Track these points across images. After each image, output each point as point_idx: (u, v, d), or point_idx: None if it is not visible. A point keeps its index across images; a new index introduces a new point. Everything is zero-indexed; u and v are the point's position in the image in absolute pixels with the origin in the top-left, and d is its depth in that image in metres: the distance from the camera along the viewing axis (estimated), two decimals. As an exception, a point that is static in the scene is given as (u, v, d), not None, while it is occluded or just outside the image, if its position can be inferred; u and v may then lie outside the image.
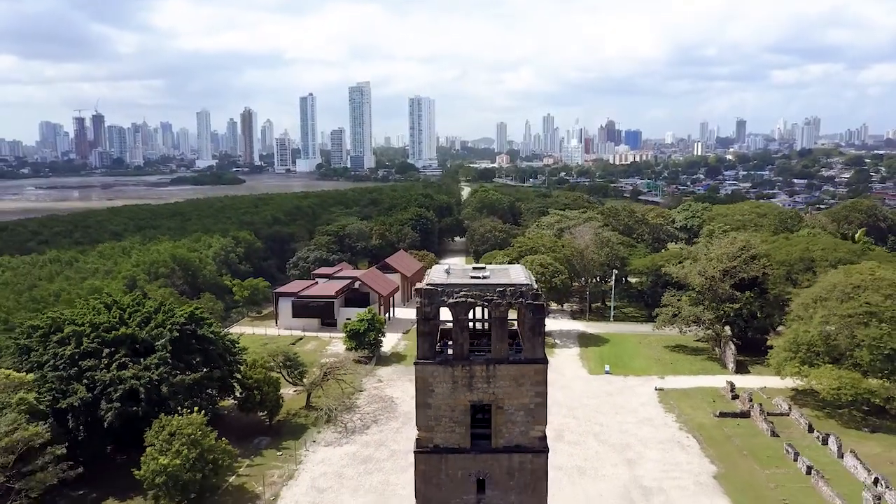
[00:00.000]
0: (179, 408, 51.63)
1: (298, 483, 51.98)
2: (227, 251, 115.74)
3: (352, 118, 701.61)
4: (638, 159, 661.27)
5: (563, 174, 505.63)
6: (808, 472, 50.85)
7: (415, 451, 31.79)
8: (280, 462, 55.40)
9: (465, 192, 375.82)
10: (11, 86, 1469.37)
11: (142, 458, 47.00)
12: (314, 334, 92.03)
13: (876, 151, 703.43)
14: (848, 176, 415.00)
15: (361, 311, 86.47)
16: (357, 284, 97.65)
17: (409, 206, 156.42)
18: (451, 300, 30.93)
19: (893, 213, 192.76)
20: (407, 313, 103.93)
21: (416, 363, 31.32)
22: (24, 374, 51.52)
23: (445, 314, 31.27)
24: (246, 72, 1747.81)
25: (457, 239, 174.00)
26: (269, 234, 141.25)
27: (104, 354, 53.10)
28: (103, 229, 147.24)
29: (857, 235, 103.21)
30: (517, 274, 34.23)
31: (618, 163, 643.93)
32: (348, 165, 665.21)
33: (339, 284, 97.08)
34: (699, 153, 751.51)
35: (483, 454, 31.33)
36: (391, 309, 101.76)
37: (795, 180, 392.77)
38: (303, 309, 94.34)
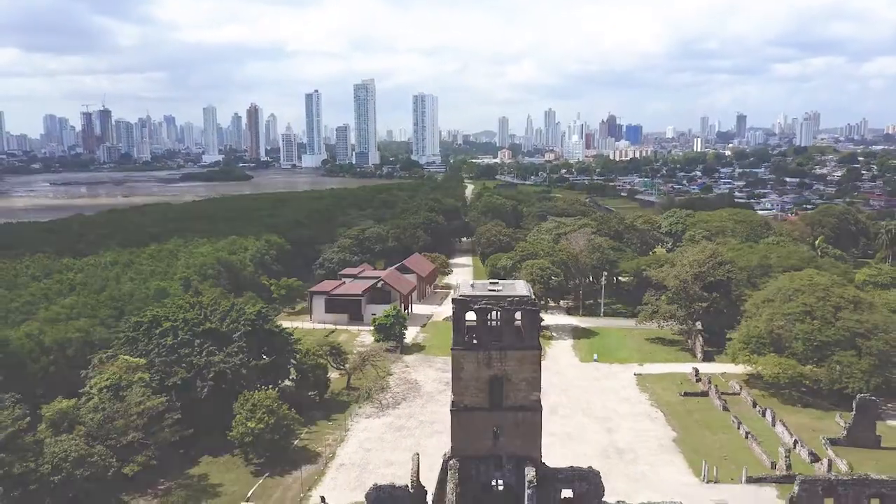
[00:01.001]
0: (254, 386, 66.26)
1: (349, 444, 66.64)
2: (262, 253, 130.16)
3: (357, 115, 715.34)
4: (638, 155, 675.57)
5: (563, 171, 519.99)
6: (747, 437, 65.35)
7: (451, 410, 46.23)
8: (332, 430, 70.05)
9: (469, 189, 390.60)
10: (14, 79, 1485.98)
11: (233, 423, 61.67)
12: (344, 327, 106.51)
13: (874, 147, 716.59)
14: (840, 174, 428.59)
15: (386, 307, 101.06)
16: (380, 284, 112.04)
17: (420, 211, 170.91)
18: (476, 306, 45.41)
19: (870, 215, 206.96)
20: (423, 309, 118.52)
21: (452, 349, 45.84)
22: (136, 359, 65.89)
23: (471, 315, 45.69)
24: (248, 64, 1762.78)
25: (464, 239, 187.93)
26: (293, 237, 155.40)
27: (195, 344, 67.68)
28: (142, 231, 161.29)
29: (817, 242, 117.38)
30: (521, 288, 48.66)
31: (618, 159, 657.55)
32: (353, 161, 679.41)
33: (365, 284, 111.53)
34: (699, 149, 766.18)
35: (497, 412, 45.79)
36: (410, 306, 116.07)
37: (788, 179, 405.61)
38: (334, 305, 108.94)
